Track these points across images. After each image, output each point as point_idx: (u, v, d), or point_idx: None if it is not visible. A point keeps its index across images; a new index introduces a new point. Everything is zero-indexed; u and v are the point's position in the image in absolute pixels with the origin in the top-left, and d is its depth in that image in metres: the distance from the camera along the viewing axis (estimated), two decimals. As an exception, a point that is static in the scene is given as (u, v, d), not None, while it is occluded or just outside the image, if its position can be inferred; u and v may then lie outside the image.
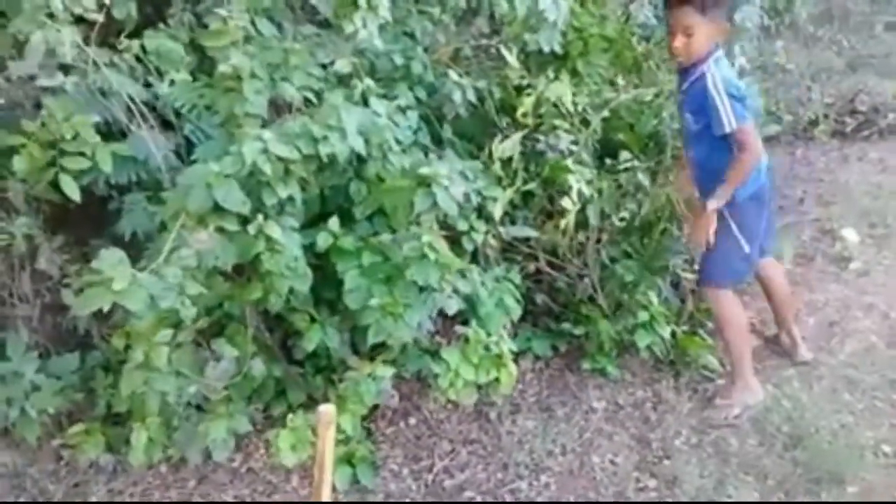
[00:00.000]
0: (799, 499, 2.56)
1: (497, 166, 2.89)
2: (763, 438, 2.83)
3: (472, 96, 2.97)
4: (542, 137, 2.99)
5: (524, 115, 2.94)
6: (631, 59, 3.36)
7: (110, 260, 2.02)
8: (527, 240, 3.15)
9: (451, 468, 2.84)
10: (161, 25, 2.55)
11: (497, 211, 2.82)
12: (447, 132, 3.02)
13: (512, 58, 3.02)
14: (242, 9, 2.29)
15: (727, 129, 2.57)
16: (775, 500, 2.57)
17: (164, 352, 2.17)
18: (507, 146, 2.89)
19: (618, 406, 3.10)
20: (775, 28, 4.98)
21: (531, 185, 3.00)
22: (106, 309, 2.01)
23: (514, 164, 2.92)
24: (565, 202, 2.88)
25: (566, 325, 3.30)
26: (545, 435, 2.96)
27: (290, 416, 2.40)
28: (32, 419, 2.65)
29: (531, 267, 3.26)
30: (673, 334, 3.20)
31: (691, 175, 2.91)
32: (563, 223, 2.92)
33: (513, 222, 3.08)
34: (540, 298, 3.33)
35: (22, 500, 2.70)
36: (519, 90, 3.04)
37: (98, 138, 2.30)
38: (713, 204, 2.70)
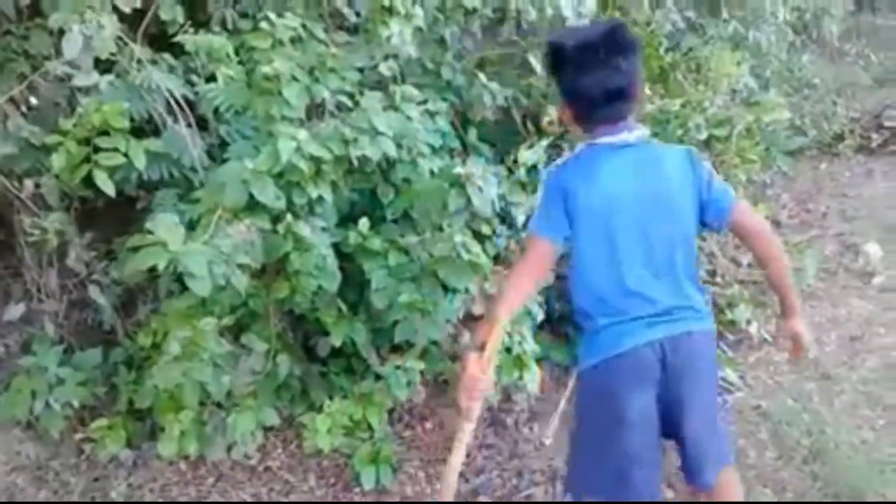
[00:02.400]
0: (818, 512, 2.55)
1: (522, 172, 2.90)
2: (782, 451, 2.82)
3: (501, 100, 2.99)
4: (566, 145, 3.00)
5: (549, 122, 2.95)
6: (657, 69, 3.37)
7: (165, 223, 2.02)
8: (548, 247, 3.16)
9: (467, 473, 2.84)
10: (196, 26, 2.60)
11: (520, 216, 2.84)
12: (473, 138, 3.05)
13: (538, 65, 3.03)
14: (299, 10, 2.31)
15: None
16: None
17: (209, 337, 2.19)
18: (532, 153, 2.90)
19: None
20: (801, 43, 4.97)
21: (554, 193, 3.01)
22: (162, 266, 1.99)
23: (538, 171, 2.93)
24: (587, 210, 2.88)
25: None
26: (562, 443, 2.96)
27: (326, 401, 2.41)
28: (56, 412, 2.67)
29: (551, 274, 3.26)
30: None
31: None
32: (583, 231, 2.92)
33: (535, 229, 3.09)
34: (559, 306, 3.33)
35: (43, 492, 2.74)
36: (545, 98, 3.06)
37: (127, 123, 2.33)
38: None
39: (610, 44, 1.79)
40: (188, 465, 2.82)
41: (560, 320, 3.38)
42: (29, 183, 2.48)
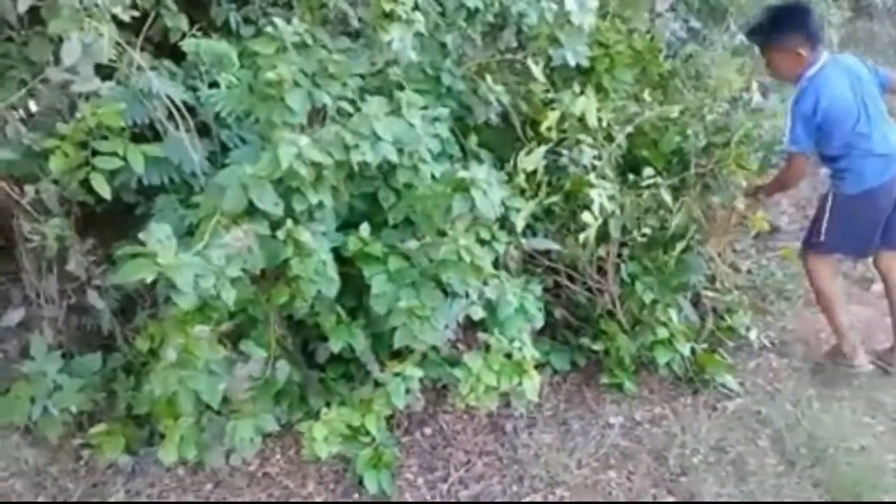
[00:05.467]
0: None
1: (521, 178, 2.90)
2: (783, 458, 2.82)
3: (505, 100, 3.01)
4: (565, 152, 3.00)
5: (548, 129, 2.95)
6: (657, 76, 3.37)
7: (157, 234, 2.03)
8: (547, 253, 3.16)
9: (467, 479, 2.84)
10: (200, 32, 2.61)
11: (519, 222, 2.83)
12: (472, 143, 3.05)
13: (538, 71, 3.03)
14: (304, 16, 2.33)
15: (783, 146, 3.06)
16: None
17: (203, 344, 2.19)
18: (531, 159, 2.90)
19: (635, 422, 3.09)
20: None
21: (554, 199, 3.01)
22: (149, 280, 2.00)
23: (537, 177, 2.93)
24: (586, 216, 2.89)
25: (585, 340, 3.30)
26: (561, 449, 2.96)
27: (324, 409, 2.47)
28: (54, 418, 2.67)
29: (551, 280, 3.27)
30: (692, 352, 3.19)
31: None
32: (582, 237, 2.93)
33: (534, 235, 3.09)
34: (559, 312, 3.33)
35: (41, 498, 2.73)
36: (544, 104, 3.06)
37: (123, 124, 2.34)
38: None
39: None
40: (186, 471, 2.82)
41: (561, 328, 3.39)
42: (29, 188, 2.48)
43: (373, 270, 2.49)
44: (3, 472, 2.74)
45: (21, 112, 2.55)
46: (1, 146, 2.33)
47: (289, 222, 2.26)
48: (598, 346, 3.26)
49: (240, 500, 2.74)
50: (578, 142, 2.99)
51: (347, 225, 2.62)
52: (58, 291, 2.85)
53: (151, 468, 2.80)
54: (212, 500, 2.74)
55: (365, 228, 2.53)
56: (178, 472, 2.82)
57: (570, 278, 3.28)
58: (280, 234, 2.25)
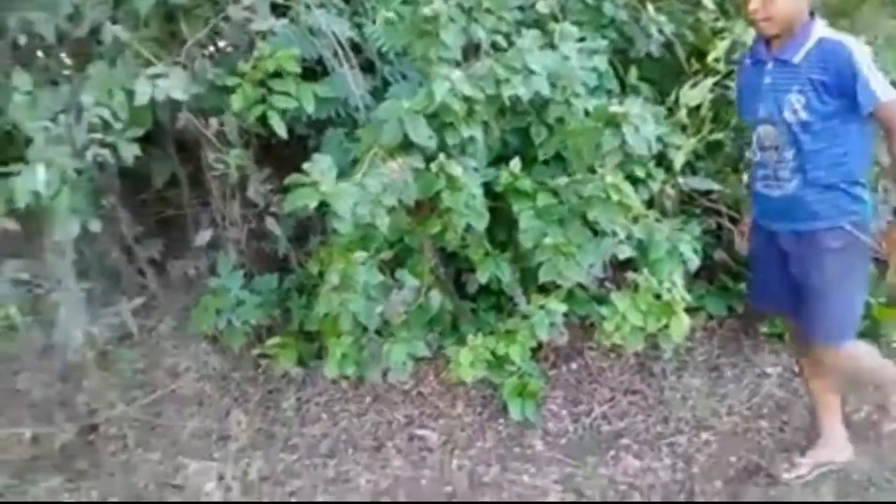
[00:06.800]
0: None
1: (683, 113, 2.78)
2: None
3: (668, 30, 2.87)
4: (733, 84, 2.82)
5: (716, 60, 2.78)
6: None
7: (320, 165, 2.20)
8: (709, 193, 3.02)
9: (610, 415, 2.87)
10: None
11: (678, 160, 2.73)
12: (632, 77, 2.94)
13: (709, -1, 2.86)
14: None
15: (882, 100, 2.05)
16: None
17: (361, 270, 2.35)
18: (695, 93, 2.76)
19: (794, 374, 2.95)
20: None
21: (719, 135, 2.86)
22: (312, 206, 2.18)
23: (701, 112, 2.79)
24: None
25: (744, 286, 3.16)
26: (711, 394, 2.90)
27: (471, 336, 2.59)
28: (237, 329, 2.94)
29: (712, 222, 3.14)
30: (867, 305, 2.96)
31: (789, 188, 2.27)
32: (747, 177, 2.77)
33: (694, 173, 2.96)
34: (718, 255, 3.20)
35: (225, 400, 3.03)
36: (713, 33, 2.88)
37: (299, 69, 2.48)
38: None
39: None
40: (349, 385, 3.04)
41: (719, 272, 3.26)
42: (213, 121, 2.70)
43: (521, 206, 2.52)
44: (194, 374, 3.08)
45: (208, 49, 2.77)
46: (190, 81, 2.54)
47: (441, 156, 2.33)
48: (758, 293, 3.10)
49: (395, 413, 2.93)
50: (750, 74, 2.80)
51: (500, 160, 2.66)
52: (240, 216, 3.10)
53: (319, 380, 3.03)
54: (370, 412, 2.95)
55: (516, 164, 2.54)
56: (342, 384, 3.04)
57: (733, 220, 3.12)
58: (433, 167, 2.33)
